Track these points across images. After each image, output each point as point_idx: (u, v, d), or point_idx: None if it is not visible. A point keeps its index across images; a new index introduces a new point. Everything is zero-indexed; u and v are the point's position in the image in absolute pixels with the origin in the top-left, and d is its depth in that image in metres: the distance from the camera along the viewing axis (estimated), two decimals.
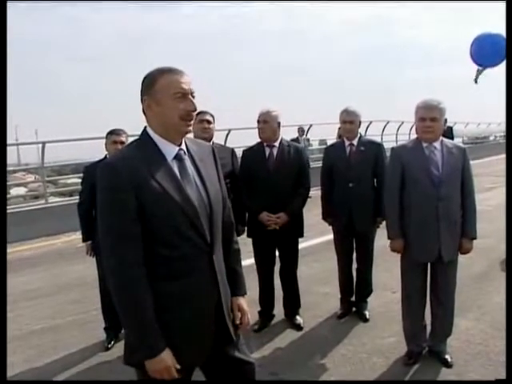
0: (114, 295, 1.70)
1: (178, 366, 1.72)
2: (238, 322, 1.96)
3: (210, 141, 3.64)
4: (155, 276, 1.71)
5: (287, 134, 3.92)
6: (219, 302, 1.84)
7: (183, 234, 1.72)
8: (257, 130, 3.92)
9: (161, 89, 1.72)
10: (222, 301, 1.85)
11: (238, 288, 2.02)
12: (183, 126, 1.75)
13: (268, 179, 3.81)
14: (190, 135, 1.88)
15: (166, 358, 1.69)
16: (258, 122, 3.85)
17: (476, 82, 7.33)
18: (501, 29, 6.68)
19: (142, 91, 1.78)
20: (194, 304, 1.76)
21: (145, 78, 1.78)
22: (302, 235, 4.05)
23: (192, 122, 1.78)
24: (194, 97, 1.76)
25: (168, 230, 1.71)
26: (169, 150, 1.77)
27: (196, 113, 1.80)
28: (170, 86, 1.72)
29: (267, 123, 3.82)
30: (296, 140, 12.14)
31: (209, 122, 3.77)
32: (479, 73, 7.14)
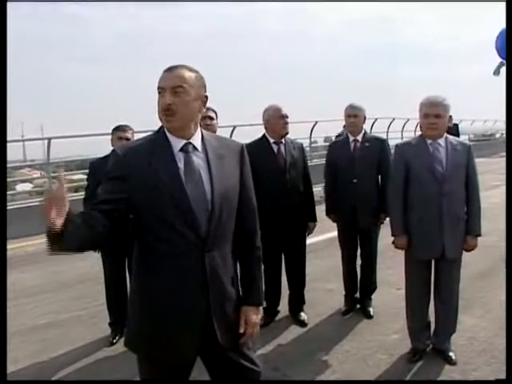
0: None
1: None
2: (241, 331, 1.89)
3: None
4: (145, 267, 1.76)
5: (291, 131, 3.90)
6: (208, 303, 1.79)
7: (173, 226, 1.72)
8: (263, 126, 3.92)
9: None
10: (210, 301, 1.79)
11: (250, 296, 1.96)
12: (163, 122, 1.78)
13: (281, 176, 3.80)
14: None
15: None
16: (282, 117, 3.81)
17: (495, 74, 7.32)
18: (501, 28, 6.66)
19: None
20: (180, 297, 1.76)
21: None
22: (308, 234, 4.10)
23: (171, 118, 1.75)
24: (176, 92, 1.74)
25: (159, 221, 1.73)
26: (176, 142, 1.79)
27: None
28: (158, 83, 1.78)
29: (288, 118, 3.84)
30: (342, 135, 11.46)
31: (211, 119, 3.74)
32: (500, 66, 7.13)
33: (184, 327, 1.78)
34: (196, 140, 1.82)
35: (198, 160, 1.80)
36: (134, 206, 1.73)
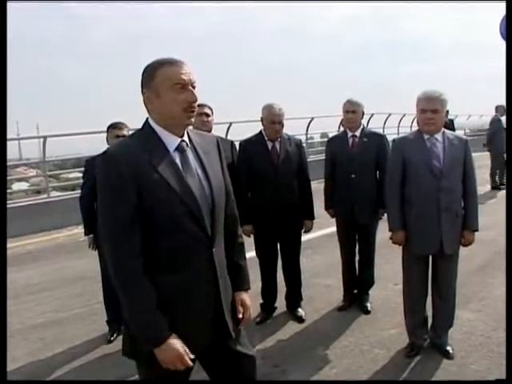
0: (115, 286, 1.70)
1: (192, 356, 1.70)
2: (239, 316, 1.94)
3: None
4: (154, 267, 1.70)
5: (288, 128, 3.91)
6: (218, 295, 1.81)
7: (183, 225, 1.70)
8: (260, 123, 3.93)
9: (161, 81, 1.69)
10: (221, 295, 1.81)
11: (241, 283, 1.99)
12: (185, 118, 1.73)
13: (274, 173, 3.81)
14: (190, 128, 1.87)
15: (175, 344, 1.66)
16: (274, 122, 3.80)
17: None
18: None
19: (142, 83, 1.75)
20: (192, 296, 1.75)
21: (145, 69, 1.75)
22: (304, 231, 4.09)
23: (194, 114, 1.75)
24: (194, 87, 1.73)
25: (167, 220, 1.69)
26: (171, 141, 1.75)
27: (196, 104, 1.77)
28: (170, 77, 1.69)
29: (283, 119, 3.86)
30: (496, 121, 10.16)
31: (207, 115, 3.74)
32: None
33: (197, 323, 1.77)
34: (185, 137, 1.80)
35: (191, 157, 1.78)
36: (143, 208, 1.67)
